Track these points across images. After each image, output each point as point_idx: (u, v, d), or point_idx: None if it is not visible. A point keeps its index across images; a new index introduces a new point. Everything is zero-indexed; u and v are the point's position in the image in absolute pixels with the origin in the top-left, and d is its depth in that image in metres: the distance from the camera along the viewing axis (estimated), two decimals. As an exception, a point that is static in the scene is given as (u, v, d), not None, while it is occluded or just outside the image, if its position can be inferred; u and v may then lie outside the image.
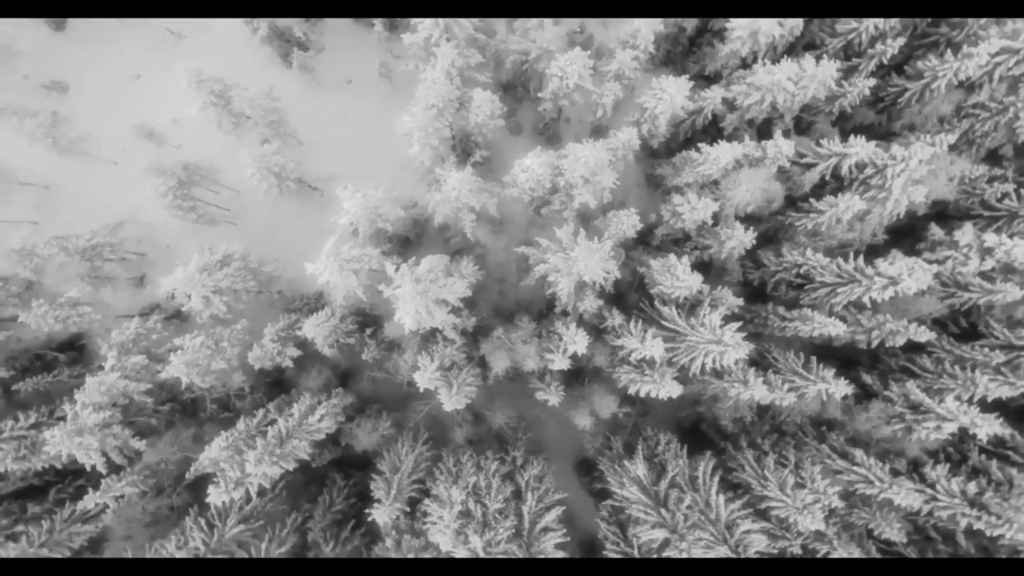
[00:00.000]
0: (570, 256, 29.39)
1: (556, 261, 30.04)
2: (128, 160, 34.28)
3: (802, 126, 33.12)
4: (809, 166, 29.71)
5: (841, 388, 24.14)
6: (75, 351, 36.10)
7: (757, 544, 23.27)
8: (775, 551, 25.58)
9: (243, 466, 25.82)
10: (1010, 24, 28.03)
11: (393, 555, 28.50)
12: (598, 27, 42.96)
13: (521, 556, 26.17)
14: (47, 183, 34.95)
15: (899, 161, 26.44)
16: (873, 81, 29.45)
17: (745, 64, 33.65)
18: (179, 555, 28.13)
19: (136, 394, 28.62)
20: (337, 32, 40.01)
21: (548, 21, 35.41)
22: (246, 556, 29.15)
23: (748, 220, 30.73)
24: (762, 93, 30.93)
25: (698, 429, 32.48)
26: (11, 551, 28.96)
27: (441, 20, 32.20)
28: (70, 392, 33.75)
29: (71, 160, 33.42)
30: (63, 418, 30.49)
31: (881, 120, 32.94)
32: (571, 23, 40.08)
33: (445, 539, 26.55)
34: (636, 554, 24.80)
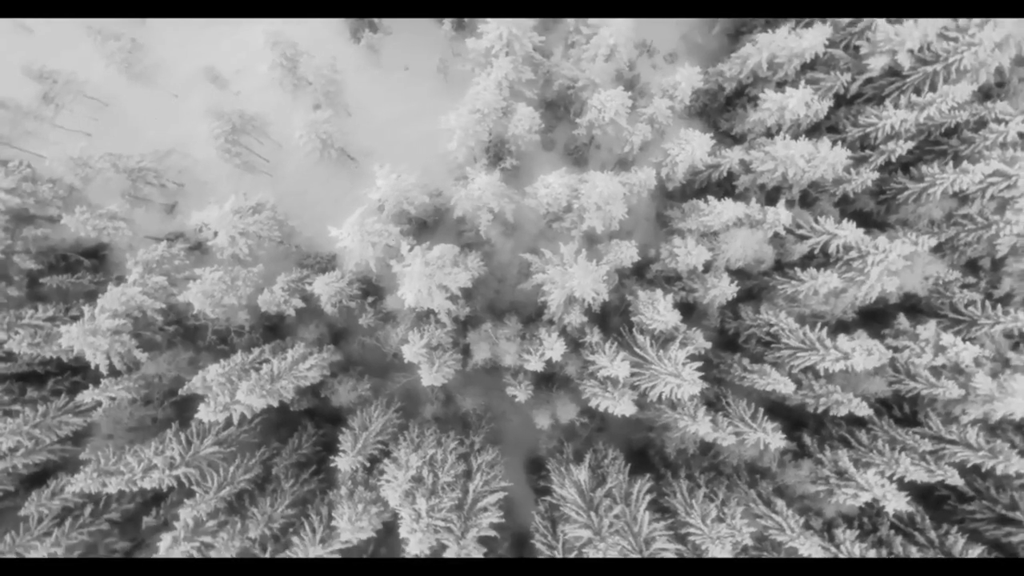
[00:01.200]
0: (567, 272, 32.79)
1: (554, 273, 33.45)
2: (188, 96, 38.06)
3: (807, 200, 36.43)
4: (802, 238, 33.00)
5: (776, 441, 27.30)
6: (97, 259, 39.97)
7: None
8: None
9: (233, 394, 29.42)
10: (1011, 151, 31.21)
11: (345, 504, 31.83)
12: (647, 67, 46.44)
13: (458, 526, 29.59)
14: (108, 101, 38.91)
15: (880, 252, 29.65)
16: (877, 175, 32.74)
17: (769, 133, 36.98)
18: (156, 461, 31.68)
19: (150, 310, 32.28)
20: (407, 21, 43.77)
21: (602, 55, 38.87)
22: (216, 476, 32.65)
23: (736, 274, 33.99)
24: (776, 163, 34.31)
25: (645, 453, 35.72)
26: (8, 425, 32.63)
27: (505, 33, 35.61)
28: (87, 295, 37.71)
29: (137, 86, 37.24)
30: (77, 317, 34.33)
31: (880, 210, 36.19)
32: (623, 61, 43.49)
33: (394, 496, 30.05)
34: (559, 549, 28.11)
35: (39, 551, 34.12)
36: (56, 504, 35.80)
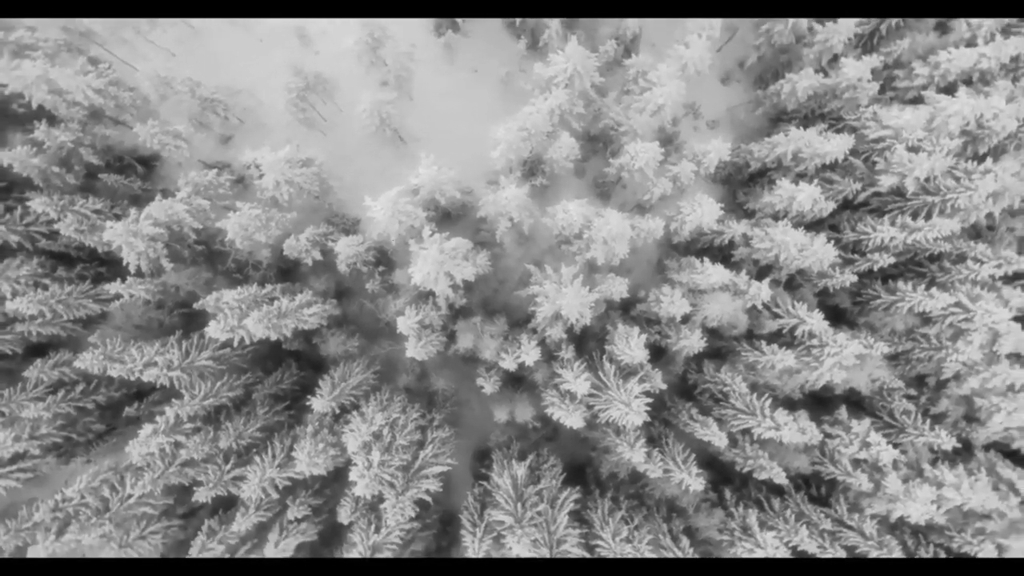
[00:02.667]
0: (561, 291, 37.39)
1: (549, 289, 38.05)
2: (272, 44, 43.41)
3: (791, 284, 40.90)
4: (776, 316, 37.43)
5: (696, 484, 31.73)
6: (147, 168, 45.30)
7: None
8: None
9: (241, 319, 34.27)
10: (978, 289, 35.49)
11: (308, 440, 36.48)
12: (689, 127, 51.17)
13: (400, 484, 34.26)
14: (199, 29, 44.29)
15: (837, 346, 34.03)
16: (857, 279, 37.16)
17: (776, 216, 41.45)
18: (157, 359, 36.50)
19: (187, 227, 37.34)
20: (488, 28, 48.94)
21: (650, 109, 43.18)
22: (203, 385, 37.49)
23: (709, 332, 38.47)
24: (773, 245, 38.80)
25: (582, 469, 40.25)
26: (37, 295, 37.57)
27: (571, 68, 39.94)
28: (132, 198, 42.98)
29: (227, 23, 42.63)
30: (120, 216, 39.48)
31: (853, 310, 40.55)
32: (667, 119, 47.88)
33: (353, 444, 34.77)
34: (481, 528, 32.75)
35: (30, 411, 39.16)
36: (55, 374, 40.96)
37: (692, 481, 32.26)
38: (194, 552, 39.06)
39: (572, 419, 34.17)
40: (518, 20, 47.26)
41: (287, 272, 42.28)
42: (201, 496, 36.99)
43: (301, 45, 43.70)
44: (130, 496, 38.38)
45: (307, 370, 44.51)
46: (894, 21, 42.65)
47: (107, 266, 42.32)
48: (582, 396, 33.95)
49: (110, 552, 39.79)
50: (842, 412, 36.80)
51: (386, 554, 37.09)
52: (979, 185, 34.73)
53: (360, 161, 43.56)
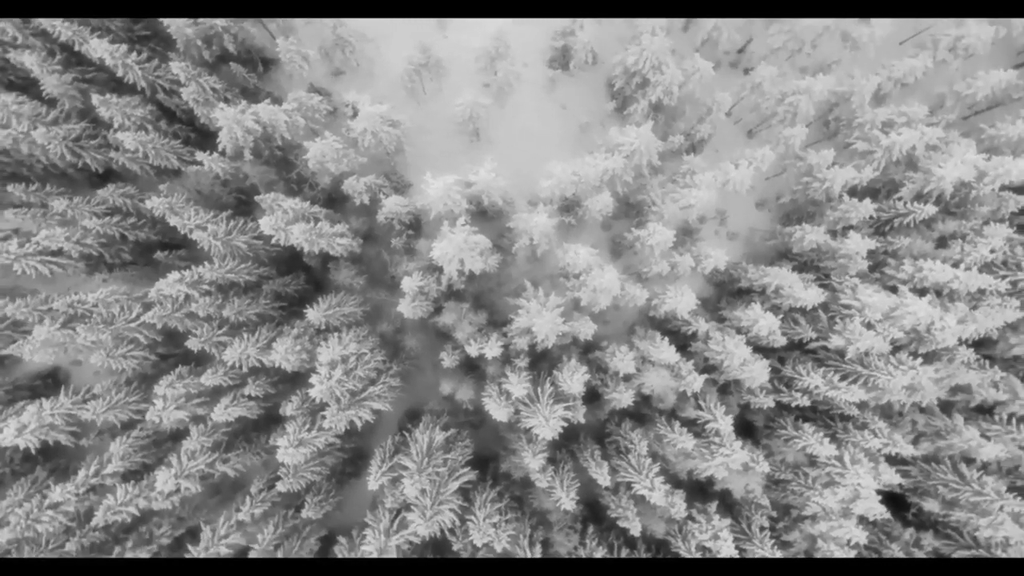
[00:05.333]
0: (541, 312, 47.20)
1: (532, 306, 47.84)
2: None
3: (725, 389, 50.13)
4: (698, 407, 46.69)
5: (569, 505, 41.25)
6: (266, 69, 56.52)
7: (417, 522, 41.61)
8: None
9: (287, 224, 44.71)
10: (860, 455, 44.27)
11: (290, 339, 46.47)
12: (711, 228, 60.98)
13: (343, 403, 44.05)
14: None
15: (731, 450, 43.09)
16: (774, 405, 46.30)
17: (739, 330, 50.77)
18: (208, 225, 47.05)
19: (278, 133, 48.20)
20: (592, 77, 59.27)
21: (681, 204, 52.20)
22: (230, 261, 47.97)
23: (641, 396, 47.76)
24: (723, 352, 48.11)
25: (487, 462, 49.75)
26: (139, 136, 48.51)
27: (637, 143, 49.19)
28: (243, 90, 53.97)
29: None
30: (230, 101, 50.57)
31: (762, 430, 49.53)
32: (693, 217, 57.39)
33: (324, 356, 44.72)
34: (386, 466, 42.75)
35: (88, 221, 49.86)
36: (120, 200, 51.87)
37: (567, 502, 41.61)
38: (160, 389, 49.03)
39: (500, 413, 43.78)
40: (618, 83, 57.67)
41: (334, 201, 52.89)
42: (192, 345, 47.32)
43: (437, 27, 55.36)
44: (135, 319, 48.87)
45: (311, 285, 54.97)
46: (909, 218, 52.02)
47: (199, 135, 53.50)
48: (516, 399, 43.54)
49: (96, 359, 50.18)
50: (713, 505, 45.68)
51: (303, 452, 46.38)
52: (901, 376, 43.80)
53: (436, 139, 54.78)
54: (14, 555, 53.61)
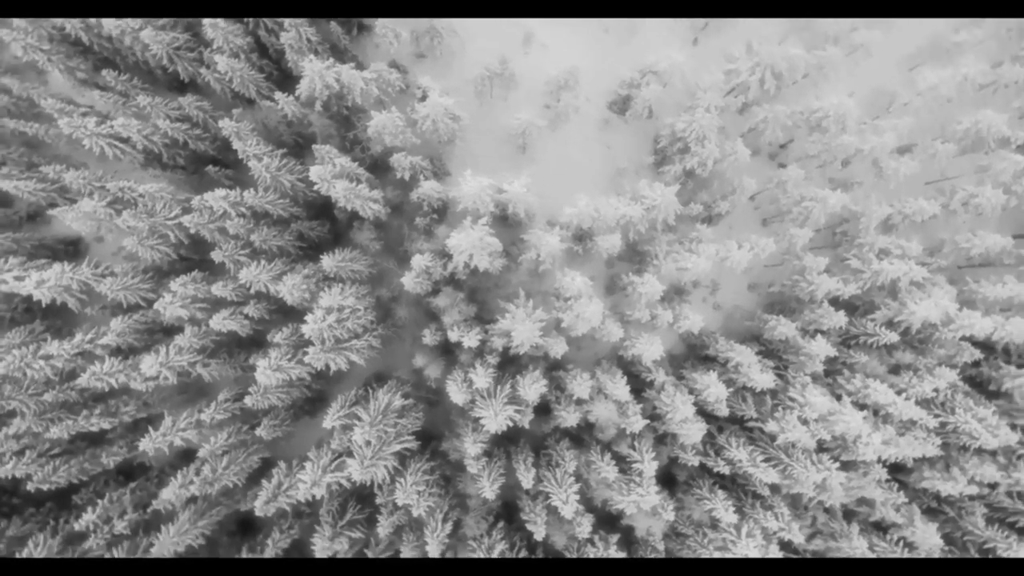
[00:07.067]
0: (523, 321, 54.95)
1: (518, 313, 55.60)
2: (505, 24, 64.00)
3: (663, 439, 57.50)
4: (632, 447, 54.07)
5: (489, 493, 49.60)
6: (358, 31, 65.06)
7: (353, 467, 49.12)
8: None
9: (333, 177, 53.02)
10: (757, 531, 51.35)
11: (299, 277, 54.59)
12: (700, 294, 68.77)
13: (327, 346, 51.96)
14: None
15: (646, 491, 50.36)
16: (698, 465, 53.56)
17: (691, 391, 57.94)
18: (264, 158, 55.55)
19: (351, 95, 56.49)
20: (643, 129, 67.29)
21: (680, 266, 60.47)
22: (271, 194, 56.41)
23: (586, 423, 55.20)
24: (670, 407, 55.20)
25: (431, 437, 57.70)
26: (232, 64, 57.35)
27: (658, 202, 57.60)
28: (333, 46, 62.20)
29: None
30: (318, 54, 59.04)
31: (682, 484, 56.76)
32: (686, 281, 65.47)
33: (324, 301, 52.53)
34: (343, 413, 51.06)
35: (163, 123, 58.50)
36: (196, 113, 60.53)
37: (489, 492, 49.42)
38: (173, 285, 57.22)
39: (458, 396, 51.50)
40: (663, 143, 65.57)
41: (378, 168, 61.26)
42: (216, 256, 55.64)
43: (522, 41, 64.24)
44: (174, 218, 57.29)
45: (332, 235, 63.31)
46: (874, 340, 59.23)
47: (282, 75, 62.23)
48: (476, 388, 51.26)
49: (127, 243, 58.54)
50: (615, 537, 53.12)
51: (278, 377, 53.97)
52: (815, 473, 50.94)
53: (486, 142, 63.57)
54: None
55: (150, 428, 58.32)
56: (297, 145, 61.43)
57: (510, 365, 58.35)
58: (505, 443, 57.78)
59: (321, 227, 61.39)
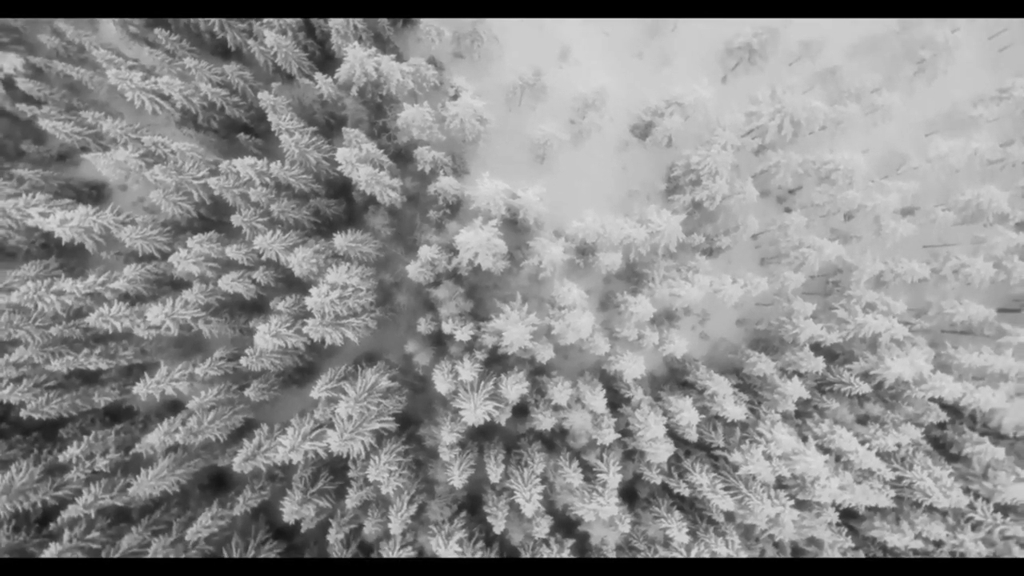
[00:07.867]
0: (517, 323, 58.82)
1: (511, 315, 59.50)
2: (546, 34, 68.64)
3: (631, 453, 61.17)
4: (602, 457, 57.76)
5: (458, 482, 53.42)
6: (403, 24, 69.49)
7: (332, 438, 52.81)
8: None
9: (356, 160, 57.18)
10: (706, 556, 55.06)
11: (310, 251, 58.71)
12: (690, 324, 72.55)
13: (326, 319, 55.97)
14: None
15: (607, 502, 54.01)
16: (660, 483, 57.23)
17: (666, 413, 61.70)
18: (296, 134, 59.86)
19: (387, 86, 60.72)
20: (658, 155, 71.26)
21: (675, 293, 64.58)
22: (297, 169, 60.69)
23: (561, 429, 58.98)
24: (643, 425, 58.93)
25: (410, 422, 61.74)
26: (278, 40, 61.89)
27: (663, 228, 62.15)
28: (376, 36, 66.57)
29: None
30: (362, 41, 63.36)
31: (642, 500, 60.43)
32: (682, 307, 69.35)
33: (330, 277, 56.38)
34: (328, 387, 54.78)
35: (204, 87, 62.96)
36: (232, 79, 64.99)
37: (457, 480, 53.25)
38: (190, 241, 61.32)
39: (443, 386, 55.38)
40: (677, 172, 69.40)
41: (401, 158, 65.41)
42: (235, 220, 59.77)
43: (558, 55, 68.53)
44: (200, 178, 61.51)
45: (346, 216, 67.45)
46: (848, 389, 62.87)
47: (324, 56, 66.56)
48: (461, 380, 55.14)
49: (154, 196, 62.81)
50: (570, 542, 56.81)
51: (275, 343, 57.71)
52: (770, 507, 54.48)
53: (508, 147, 67.67)
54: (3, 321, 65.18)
55: (145, 374, 62.09)
56: (328, 125, 65.69)
57: (496, 364, 62.13)
58: (480, 437, 61.57)
59: (338, 206, 65.48)
